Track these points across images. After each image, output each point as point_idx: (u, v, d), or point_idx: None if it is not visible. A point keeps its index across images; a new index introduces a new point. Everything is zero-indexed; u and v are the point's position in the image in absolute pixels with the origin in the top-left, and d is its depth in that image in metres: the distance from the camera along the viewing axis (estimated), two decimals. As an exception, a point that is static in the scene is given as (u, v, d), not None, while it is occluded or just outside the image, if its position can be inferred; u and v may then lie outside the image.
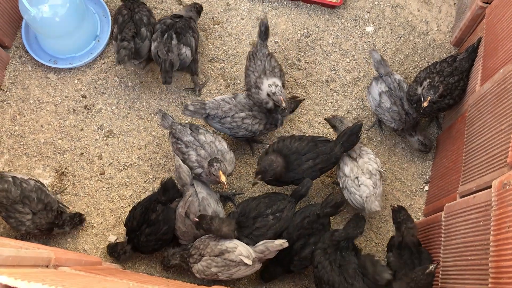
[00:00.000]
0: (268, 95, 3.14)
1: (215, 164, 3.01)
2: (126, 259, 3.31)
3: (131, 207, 3.32)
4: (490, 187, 2.42)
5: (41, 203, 3.14)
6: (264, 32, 3.29)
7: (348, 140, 3.17)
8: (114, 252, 3.29)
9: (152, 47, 3.46)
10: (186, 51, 3.44)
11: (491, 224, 2.23)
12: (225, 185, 3.01)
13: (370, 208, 3.07)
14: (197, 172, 3.16)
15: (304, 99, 3.42)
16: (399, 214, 2.97)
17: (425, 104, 3.08)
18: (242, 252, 2.92)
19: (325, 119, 3.44)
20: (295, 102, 3.40)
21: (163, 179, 3.18)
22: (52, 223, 3.22)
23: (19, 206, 3.09)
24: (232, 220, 3.05)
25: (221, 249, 2.95)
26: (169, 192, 3.14)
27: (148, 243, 3.19)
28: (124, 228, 3.30)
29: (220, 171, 2.98)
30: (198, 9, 3.67)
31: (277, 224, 3.06)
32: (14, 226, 3.14)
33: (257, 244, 2.99)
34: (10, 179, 3.10)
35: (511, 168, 2.28)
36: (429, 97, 3.06)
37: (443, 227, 2.85)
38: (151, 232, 3.16)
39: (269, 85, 3.14)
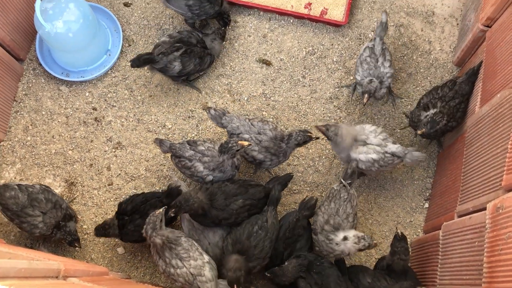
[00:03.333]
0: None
1: (230, 141, 3.09)
2: (115, 234, 3.33)
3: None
4: (486, 208, 2.50)
5: (50, 202, 3.25)
6: None
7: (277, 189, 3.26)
8: (103, 229, 3.31)
9: (161, 39, 3.62)
10: (176, 66, 3.58)
11: (485, 245, 2.30)
12: (250, 144, 3.12)
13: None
14: (209, 180, 3.25)
15: (317, 138, 3.33)
16: (398, 244, 3.01)
17: (418, 132, 3.27)
18: (212, 286, 2.97)
19: (316, 127, 3.26)
20: (304, 136, 3.28)
21: (172, 183, 3.29)
22: (59, 222, 3.26)
23: (29, 210, 3.19)
24: (235, 256, 3.06)
25: (200, 273, 2.95)
26: (172, 198, 3.20)
27: (133, 232, 3.24)
28: (117, 207, 3.37)
29: (239, 142, 3.09)
30: (222, 34, 3.78)
31: (268, 234, 3.12)
32: (28, 231, 3.24)
33: (221, 281, 3.04)
34: (16, 186, 3.22)
35: (506, 191, 2.35)
36: (424, 130, 3.24)
37: (440, 246, 2.92)
38: (140, 224, 3.17)
39: None
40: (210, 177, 3.24)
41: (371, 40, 3.57)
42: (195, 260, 2.99)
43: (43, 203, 3.23)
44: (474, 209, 2.70)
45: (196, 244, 3.09)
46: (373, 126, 3.30)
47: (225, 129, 3.41)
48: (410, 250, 3.14)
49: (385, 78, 3.47)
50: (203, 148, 3.32)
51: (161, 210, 2.95)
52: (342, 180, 3.19)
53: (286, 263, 3.05)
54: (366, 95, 3.39)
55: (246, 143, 3.11)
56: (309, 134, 3.23)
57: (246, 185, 3.25)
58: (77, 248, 3.39)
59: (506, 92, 2.64)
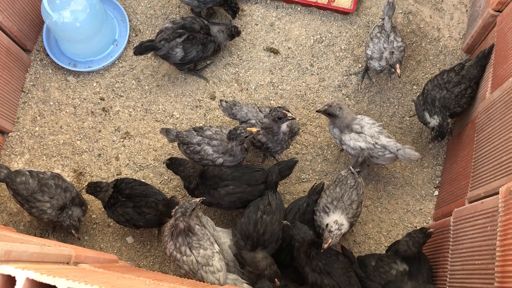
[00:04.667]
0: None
1: (239, 128, 3.10)
2: (102, 200, 3.37)
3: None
4: (498, 193, 2.48)
5: (59, 188, 3.27)
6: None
7: (281, 173, 3.25)
8: (94, 188, 3.34)
9: (164, 26, 3.60)
10: (178, 52, 3.55)
11: (497, 230, 2.28)
12: (259, 130, 3.12)
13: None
14: (220, 162, 3.25)
15: (293, 118, 3.22)
16: (418, 233, 3.05)
17: (430, 145, 3.29)
18: (220, 278, 2.95)
19: (318, 111, 3.22)
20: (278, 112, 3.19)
21: (174, 197, 3.32)
22: (66, 204, 3.26)
23: (39, 195, 3.21)
24: (260, 254, 3.05)
25: (207, 262, 2.95)
26: (168, 210, 3.18)
27: (119, 216, 3.28)
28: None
29: (248, 128, 3.09)
30: (232, 32, 3.70)
31: (274, 217, 3.11)
32: (37, 216, 3.25)
33: (229, 277, 3.04)
34: (27, 172, 3.24)
35: (519, 175, 2.33)
36: (437, 142, 3.31)
37: (451, 232, 2.90)
38: (129, 212, 3.24)
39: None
40: (221, 160, 3.23)
41: (380, 20, 3.56)
42: (204, 249, 2.98)
43: (53, 188, 3.24)
44: (485, 194, 2.68)
45: (208, 233, 3.09)
46: (372, 120, 3.30)
47: (237, 120, 3.41)
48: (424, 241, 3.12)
49: (397, 51, 3.43)
50: (211, 133, 3.30)
51: (197, 200, 2.96)
52: (351, 167, 3.18)
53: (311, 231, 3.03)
54: (398, 65, 3.35)
55: (254, 129, 3.10)
56: (284, 111, 3.15)
57: (243, 171, 3.24)
58: (76, 237, 3.31)
59: (518, 76, 2.61)
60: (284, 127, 3.20)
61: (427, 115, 3.29)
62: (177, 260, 3.00)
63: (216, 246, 3.06)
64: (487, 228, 2.44)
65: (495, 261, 2.24)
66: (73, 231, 3.29)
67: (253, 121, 3.31)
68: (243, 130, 3.09)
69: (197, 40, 3.57)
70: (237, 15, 3.83)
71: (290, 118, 3.12)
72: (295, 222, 3.03)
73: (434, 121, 3.25)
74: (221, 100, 3.45)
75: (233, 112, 3.39)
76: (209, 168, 3.27)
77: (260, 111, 3.35)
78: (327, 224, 3.00)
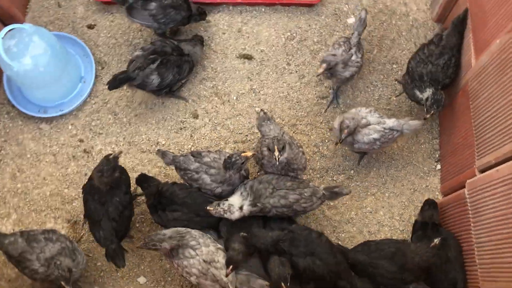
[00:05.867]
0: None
1: (233, 156, 2.95)
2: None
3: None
4: (510, 159, 2.45)
5: (49, 240, 3.03)
6: None
7: None
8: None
9: (134, 54, 3.45)
10: (154, 79, 3.41)
11: (523, 195, 2.25)
12: (253, 154, 3.00)
13: None
14: (218, 192, 3.11)
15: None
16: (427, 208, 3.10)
17: (427, 116, 3.18)
18: (229, 276, 2.87)
19: (341, 142, 3.13)
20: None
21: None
22: (52, 255, 2.99)
23: (28, 254, 2.99)
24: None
25: (213, 259, 2.89)
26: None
27: (105, 205, 3.06)
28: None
29: (242, 154, 2.95)
30: (201, 40, 3.66)
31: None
32: (30, 277, 3.05)
33: (241, 271, 2.96)
34: (18, 232, 3.06)
35: (532, 136, 2.29)
36: (433, 111, 3.15)
37: (469, 204, 2.86)
38: (113, 202, 3.05)
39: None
40: (219, 190, 3.10)
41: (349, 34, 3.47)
42: (207, 246, 2.90)
43: (42, 242, 3.03)
44: (496, 160, 2.65)
45: (207, 234, 3.00)
46: (367, 108, 3.25)
47: (260, 132, 3.28)
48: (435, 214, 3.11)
49: (352, 63, 3.33)
50: (209, 160, 3.15)
51: (162, 231, 2.90)
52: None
53: (270, 232, 2.95)
54: (324, 65, 3.22)
55: (249, 153, 2.97)
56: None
57: (195, 198, 3.10)
58: None
59: (507, 37, 2.58)
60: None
61: (418, 93, 3.24)
62: (185, 268, 2.90)
63: (218, 244, 2.97)
64: (510, 195, 2.40)
65: (528, 228, 2.20)
66: (62, 283, 2.97)
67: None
68: (237, 158, 2.95)
69: (171, 63, 3.43)
70: (206, 15, 3.72)
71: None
72: (252, 231, 2.95)
73: (426, 93, 3.19)
74: (261, 110, 3.33)
75: (263, 124, 3.22)
76: (164, 187, 3.14)
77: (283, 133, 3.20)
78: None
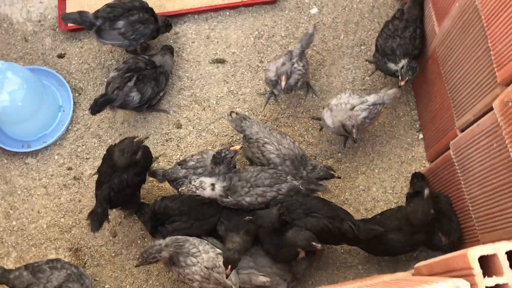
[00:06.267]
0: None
1: (222, 151, 3.00)
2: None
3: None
4: (488, 111, 2.56)
5: (54, 269, 3.05)
6: None
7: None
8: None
9: (110, 76, 3.47)
10: (135, 96, 3.46)
11: (506, 142, 2.35)
12: (242, 147, 3.09)
13: None
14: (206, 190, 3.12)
15: (339, 177, 3.28)
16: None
17: (402, 83, 3.25)
18: (232, 278, 2.91)
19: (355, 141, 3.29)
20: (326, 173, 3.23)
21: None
22: (60, 284, 3.03)
23: (35, 286, 3.00)
24: None
25: (215, 264, 2.93)
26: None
27: (114, 174, 3.10)
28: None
29: (231, 148, 3.01)
30: (170, 49, 3.70)
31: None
32: None
33: (242, 271, 3.01)
34: (22, 266, 3.06)
35: (504, 86, 2.41)
36: (408, 78, 3.23)
37: (456, 164, 2.97)
38: (121, 177, 3.09)
39: None
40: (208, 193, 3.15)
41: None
42: (206, 252, 2.94)
43: (47, 272, 3.04)
44: (475, 117, 2.76)
45: (205, 240, 3.04)
46: (346, 93, 3.34)
47: (243, 134, 3.32)
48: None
49: (296, 73, 3.38)
50: (193, 163, 3.24)
51: (158, 242, 2.96)
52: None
53: (271, 210, 2.99)
54: (283, 77, 3.29)
55: (238, 147, 3.04)
56: (332, 172, 3.20)
57: (190, 205, 3.13)
58: None
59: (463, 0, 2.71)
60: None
61: (392, 65, 3.35)
62: (187, 276, 2.94)
63: (217, 249, 3.01)
64: (493, 145, 2.51)
65: (515, 172, 2.30)
66: None
67: (266, 140, 3.21)
68: (227, 152, 3.01)
69: (147, 77, 3.48)
70: (171, 26, 3.78)
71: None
72: (256, 213, 2.99)
73: (401, 63, 3.29)
74: (231, 112, 3.36)
75: (242, 126, 3.28)
76: (156, 205, 3.17)
77: (271, 134, 3.25)
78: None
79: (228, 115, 3.34)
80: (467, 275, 1.65)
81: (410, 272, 2.24)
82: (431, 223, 2.99)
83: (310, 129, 3.70)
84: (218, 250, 3.00)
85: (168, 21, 3.75)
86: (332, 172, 3.22)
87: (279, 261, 3.06)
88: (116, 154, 3.06)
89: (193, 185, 2.97)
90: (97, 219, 3.11)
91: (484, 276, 1.60)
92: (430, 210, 2.96)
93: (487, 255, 1.68)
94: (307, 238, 2.82)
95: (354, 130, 3.12)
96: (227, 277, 2.82)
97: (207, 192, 2.99)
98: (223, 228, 3.14)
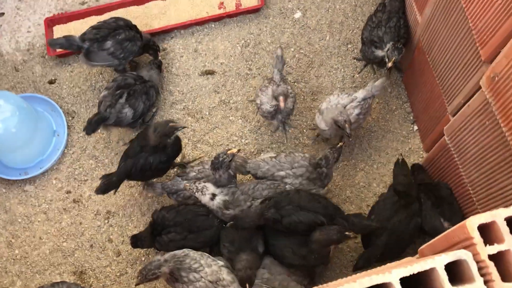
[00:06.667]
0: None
1: (219, 155, 3.00)
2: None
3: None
4: (477, 90, 2.56)
5: None
6: None
7: None
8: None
9: (101, 95, 3.49)
10: (127, 112, 3.47)
11: (497, 118, 2.35)
12: (239, 150, 3.06)
13: None
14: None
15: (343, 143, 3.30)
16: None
17: (389, 64, 3.26)
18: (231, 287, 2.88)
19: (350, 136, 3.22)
20: (337, 150, 3.25)
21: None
22: None
23: None
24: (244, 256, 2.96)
25: (218, 278, 2.89)
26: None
27: (140, 154, 3.15)
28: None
29: (228, 152, 3.00)
30: (158, 64, 3.72)
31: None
32: None
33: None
34: None
35: (489, 63, 2.41)
36: (394, 58, 3.23)
37: (452, 148, 2.96)
38: (147, 159, 3.14)
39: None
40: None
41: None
42: (209, 266, 2.90)
43: None
44: (465, 99, 2.75)
45: (206, 254, 3.00)
46: (335, 94, 3.35)
47: (252, 175, 3.26)
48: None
49: (290, 96, 3.35)
50: (194, 173, 3.24)
51: (157, 257, 2.94)
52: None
53: (251, 209, 2.99)
54: (281, 97, 3.22)
55: (235, 150, 3.04)
56: (338, 147, 3.21)
57: (185, 216, 3.12)
58: None
59: (441, -17, 2.74)
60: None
61: (378, 51, 3.36)
62: None
63: (219, 261, 2.97)
64: (485, 123, 2.51)
65: (509, 145, 2.29)
66: None
67: (282, 173, 3.16)
68: (224, 156, 3.01)
69: (138, 92, 3.49)
70: (158, 53, 3.79)
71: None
72: (235, 216, 2.97)
73: (386, 47, 3.30)
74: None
75: (248, 170, 3.23)
76: (154, 216, 3.18)
77: (280, 162, 3.20)
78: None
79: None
80: (468, 245, 1.63)
81: (415, 257, 2.21)
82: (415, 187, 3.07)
83: (304, 131, 3.71)
84: (221, 263, 2.96)
85: (155, 45, 3.77)
86: (338, 146, 3.20)
87: (310, 268, 3.01)
88: (150, 131, 3.09)
89: (196, 185, 2.98)
90: (108, 185, 3.16)
91: (485, 245, 1.58)
92: (408, 172, 3.06)
93: (487, 225, 1.65)
94: (340, 230, 2.80)
95: (346, 125, 3.11)
96: None
97: (205, 199, 2.98)
98: (226, 251, 3.08)
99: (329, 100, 3.35)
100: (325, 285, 1.65)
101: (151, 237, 3.18)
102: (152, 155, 3.13)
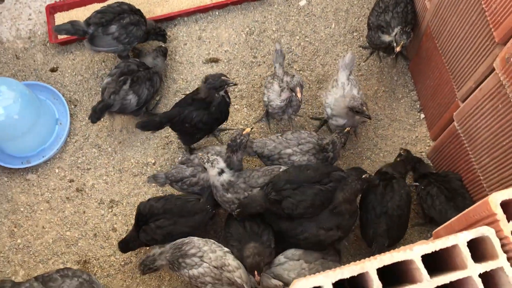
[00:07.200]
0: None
1: (236, 137, 2.99)
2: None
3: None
4: (489, 74, 2.54)
5: (66, 277, 2.95)
6: None
7: None
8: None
9: (104, 81, 3.44)
10: (132, 98, 3.42)
11: (511, 100, 2.32)
12: (252, 128, 3.18)
13: None
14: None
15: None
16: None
17: (398, 49, 3.19)
18: (242, 276, 2.85)
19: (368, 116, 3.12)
20: (344, 135, 3.18)
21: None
22: None
23: None
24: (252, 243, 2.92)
25: (223, 263, 2.87)
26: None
27: (187, 107, 3.18)
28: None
29: (243, 132, 2.99)
30: (164, 52, 3.66)
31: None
32: None
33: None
34: (32, 278, 2.94)
35: (503, 45, 2.38)
36: (403, 42, 3.16)
37: (462, 134, 2.93)
38: (190, 112, 3.16)
39: None
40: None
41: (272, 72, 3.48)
42: (213, 252, 2.88)
43: (59, 281, 2.94)
44: (476, 83, 2.73)
45: (211, 240, 2.97)
46: (326, 96, 3.27)
47: (258, 156, 3.22)
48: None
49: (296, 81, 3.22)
50: (197, 160, 3.19)
51: (153, 251, 2.94)
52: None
53: (254, 194, 2.95)
54: (298, 88, 3.12)
55: (248, 129, 3.01)
56: (347, 129, 3.17)
57: (174, 202, 3.09)
58: None
59: (453, -34, 2.71)
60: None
61: (385, 36, 3.32)
62: (198, 279, 2.87)
63: (224, 247, 2.94)
64: (498, 107, 2.48)
65: (525, 128, 2.27)
66: None
67: (289, 151, 3.14)
68: (241, 137, 2.98)
69: (142, 78, 3.44)
70: (166, 37, 3.74)
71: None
72: (239, 203, 2.95)
73: (394, 31, 3.26)
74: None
75: (255, 150, 3.19)
76: (141, 207, 3.13)
77: (287, 139, 3.16)
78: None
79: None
80: (490, 222, 1.60)
81: (430, 240, 2.18)
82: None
83: (310, 119, 3.67)
84: (226, 249, 2.94)
85: (160, 30, 3.72)
86: (346, 131, 3.16)
87: (346, 232, 2.96)
88: (203, 80, 3.11)
89: (207, 156, 2.96)
90: (148, 123, 3.21)
91: (508, 221, 1.55)
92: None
93: (509, 202, 1.63)
94: (356, 178, 2.84)
95: (364, 108, 3.04)
96: (259, 284, 2.77)
97: (213, 172, 2.96)
98: (236, 251, 3.01)
99: (328, 103, 3.24)
100: (347, 265, 1.63)
101: (135, 227, 3.14)
102: (196, 111, 3.15)
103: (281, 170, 3.04)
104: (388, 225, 2.95)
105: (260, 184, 3.01)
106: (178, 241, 2.98)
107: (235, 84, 3.19)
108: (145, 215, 3.10)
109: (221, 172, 2.96)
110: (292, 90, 3.15)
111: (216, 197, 3.05)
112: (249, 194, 2.98)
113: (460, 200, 2.98)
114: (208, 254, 2.87)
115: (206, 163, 2.93)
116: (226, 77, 3.09)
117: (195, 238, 2.97)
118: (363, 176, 2.86)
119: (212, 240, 2.99)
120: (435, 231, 2.11)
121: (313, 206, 2.84)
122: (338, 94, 3.23)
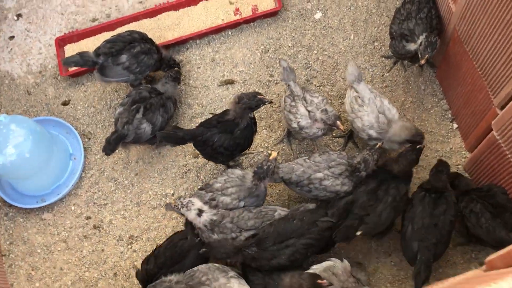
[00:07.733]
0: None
1: (262, 163, 2.81)
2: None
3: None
4: (530, 77, 2.30)
5: None
6: None
7: None
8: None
9: (117, 112, 3.31)
10: (146, 127, 3.28)
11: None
12: (278, 152, 2.95)
13: None
14: (241, 206, 2.94)
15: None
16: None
17: (422, 62, 2.99)
18: (235, 285, 2.67)
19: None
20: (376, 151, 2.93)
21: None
22: None
23: None
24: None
25: (223, 285, 2.69)
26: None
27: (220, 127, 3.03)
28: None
29: (270, 157, 2.81)
30: (174, 76, 3.47)
31: None
32: None
33: None
34: None
35: (545, 44, 2.15)
36: (427, 55, 2.95)
37: (502, 144, 2.68)
38: (223, 135, 3.01)
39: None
40: (242, 203, 2.92)
41: (286, 91, 3.26)
42: (216, 280, 2.69)
43: None
44: (515, 88, 2.49)
45: (215, 265, 2.78)
46: (359, 117, 3.05)
47: (284, 182, 3.02)
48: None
49: (325, 107, 3.08)
50: (220, 184, 2.99)
51: (167, 278, 2.74)
52: None
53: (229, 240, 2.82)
54: (338, 122, 3.00)
55: (275, 153, 2.82)
56: (378, 145, 2.94)
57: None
58: None
59: (480, -37, 2.49)
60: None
61: (410, 45, 3.09)
62: None
63: (230, 272, 2.74)
64: (545, 112, 2.23)
65: None
66: None
67: (319, 175, 2.92)
68: (268, 163, 2.78)
69: (155, 105, 3.29)
70: (179, 71, 3.58)
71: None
72: (208, 243, 2.83)
73: (419, 40, 3.03)
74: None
75: (281, 176, 2.96)
76: (138, 277, 2.97)
77: (315, 162, 2.96)
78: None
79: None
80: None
81: (481, 269, 1.92)
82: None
83: (334, 137, 3.45)
84: (231, 273, 2.74)
85: (175, 63, 3.58)
86: (377, 147, 2.93)
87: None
88: (233, 101, 2.96)
89: (180, 201, 2.79)
90: (171, 136, 3.00)
91: None
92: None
93: None
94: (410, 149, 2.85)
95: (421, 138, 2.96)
96: None
97: (191, 215, 2.79)
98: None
99: (364, 118, 3.02)
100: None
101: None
102: (218, 134, 2.98)
103: (275, 214, 2.85)
104: (438, 239, 2.72)
105: (250, 226, 2.83)
106: (188, 271, 2.81)
107: (271, 102, 3.03)
108: (146, 281, 2.91)
109: (200, 212, 2.79)
110: (332, 126, 2.99)
111: (203, 238, 2.87)
112: (224, 239, 2.81)
113: (508, 216, 2.72)
114: (212, 284, 2.69)
115: (182, 209, 2.77)
116: (262, 95, 2.93)
117: (200, 266, 2.78)
118: (418, 146, 2.76)
119: (215, 265, 2.79)
120: (488, 259, 1.86)
121: (285, 266, 2.72)
122: (373, 112, 3.01)
